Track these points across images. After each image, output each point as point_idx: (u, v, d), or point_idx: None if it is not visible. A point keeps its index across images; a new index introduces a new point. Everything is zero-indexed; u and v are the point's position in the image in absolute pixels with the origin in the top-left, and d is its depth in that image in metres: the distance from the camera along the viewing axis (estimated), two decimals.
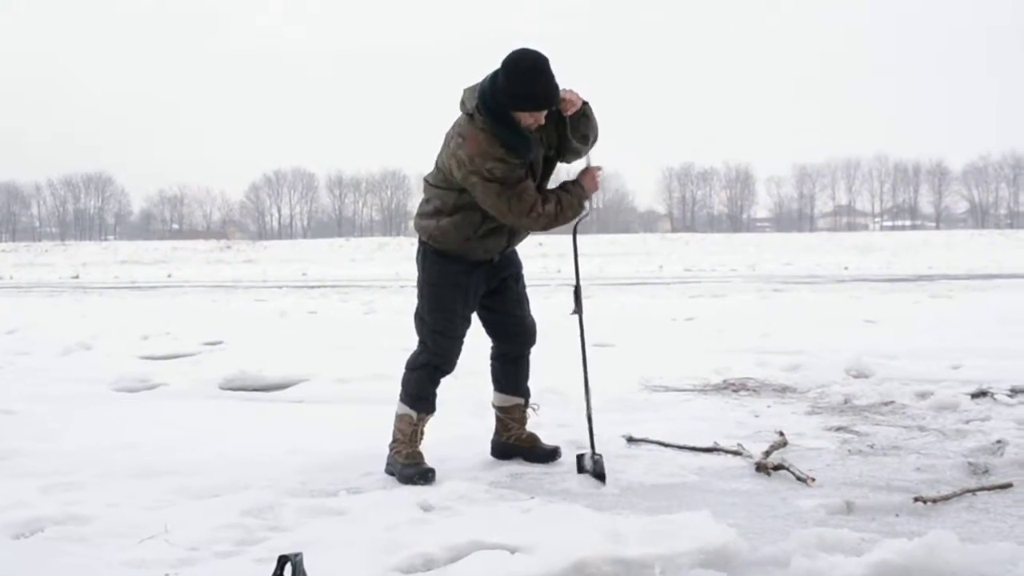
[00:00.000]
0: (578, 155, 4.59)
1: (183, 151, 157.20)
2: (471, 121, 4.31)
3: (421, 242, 4.64)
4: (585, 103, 4.42)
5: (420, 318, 4.64)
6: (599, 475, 4.34)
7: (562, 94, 4.31)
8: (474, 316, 4.73)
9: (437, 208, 4.48)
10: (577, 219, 4.48)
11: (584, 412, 4.56)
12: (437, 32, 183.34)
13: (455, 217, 4.43)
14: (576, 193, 4.41)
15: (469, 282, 4.55)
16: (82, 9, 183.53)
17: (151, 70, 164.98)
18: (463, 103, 4.39)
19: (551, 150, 4.49)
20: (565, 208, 4.37)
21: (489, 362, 4.91)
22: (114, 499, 4.08)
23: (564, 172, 4.76)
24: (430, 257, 4.58)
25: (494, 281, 4.67)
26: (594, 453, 4.43)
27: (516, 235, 4.58)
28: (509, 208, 4.26)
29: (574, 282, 4.63)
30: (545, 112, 4.28)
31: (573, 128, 4.41)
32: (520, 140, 4.26)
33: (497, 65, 4.25)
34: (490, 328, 4.83)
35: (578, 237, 4.65)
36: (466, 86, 4.42)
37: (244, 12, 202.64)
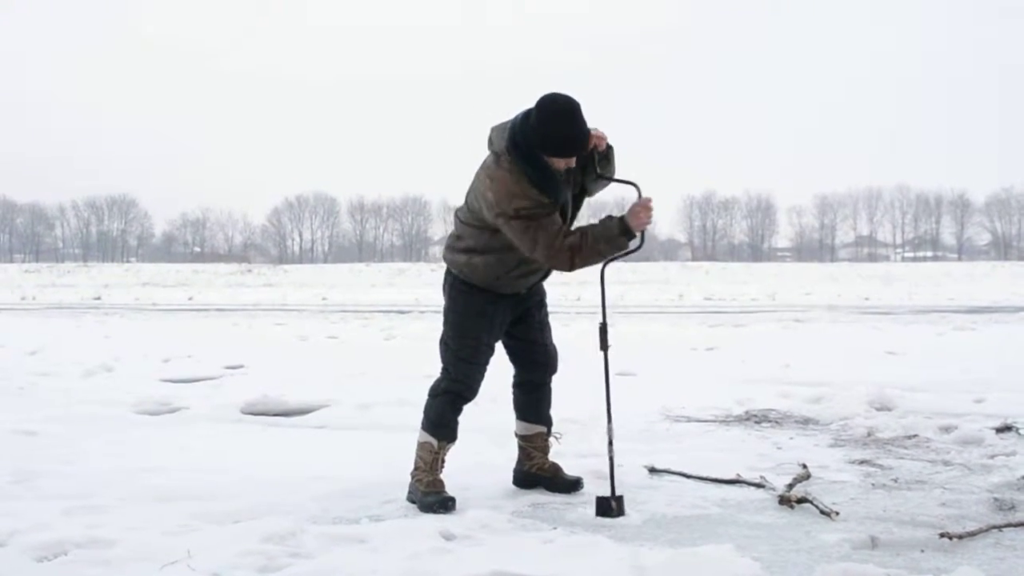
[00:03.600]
0: (592, 194, 4.63)
1: (206, 174, 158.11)
2: (498, 162, 4.31)
3: (449, 271, 4.64)
4: (609, 146, 4.44)
5: (445, 344, 4.64)
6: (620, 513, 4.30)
7: (592, 132, 4.34)
8: (497, 348, 4.73)
9: (469, 247, 4.49)
10: (623, 254, 4.38)
11: (607, 446, 4.52)
12: (459, 60, 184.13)
13: (487, 257, 4.44)
14: (607, 225, 4.30)
15: (495, 311, 4.56)
16: (107, 34, 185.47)
17: (176, 94, 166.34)
18: (491, 141, 4.40)
19: (576, 188, 4.49)
20: (590, 239, 4.26)
21: (511, 390, 4.90)
22: (136, 523, 4.09)
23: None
24: (458, 286, 4.59)
25: (520, 310, 4.68)
26: (613, 494, 4.35)
27: (549, 272, 4.59)
28: (536, 243, 4.24)
29: (601, 319, 4.59)
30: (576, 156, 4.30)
31: (598, 164, 4.43)
32: (549, 181, 4.25)
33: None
34: (514, 356, 4.83)
35: (597, 264, 4.61)
36: (494, 125, 4.44)
37: (269, 36, 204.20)
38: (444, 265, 4.69)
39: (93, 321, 20.97)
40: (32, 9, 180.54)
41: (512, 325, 4.70)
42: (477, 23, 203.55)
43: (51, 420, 6.84)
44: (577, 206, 4.55)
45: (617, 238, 4.29)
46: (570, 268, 4.36)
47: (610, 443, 4.49)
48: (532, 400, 4.86)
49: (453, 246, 4.60)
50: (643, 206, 4.31)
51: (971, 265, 74.56)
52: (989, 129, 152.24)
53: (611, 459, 4.47)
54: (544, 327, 4.82)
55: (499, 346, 4.76)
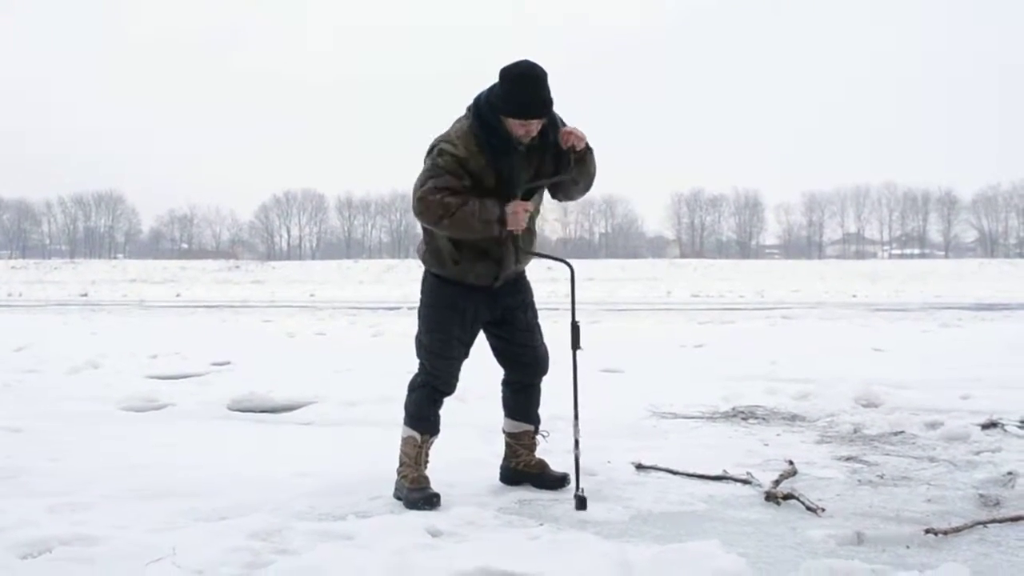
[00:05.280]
0: (568, 197, 4.64)
1: (194, 171, 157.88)
2: (461, 117, 4.42)
3: (424, 269, 4.67)
4: (589, 149, 4.45)
5: (419, 340, 4.67)
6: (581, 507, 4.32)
7: (567, 128, 4.36)
8: (485, 344, 4.73)
9: (425, 230, 4.54)
10: (535, 253, 4.51)
11: (574, 446, 4.50)
12: (449, 57, 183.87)
13: (438, 240, 4.49)
14: (491, 210, 4.28)
15: (466, 305, 4.55)
16: (94, 30, 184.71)
17: (163, 90, 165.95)
18: None
19: (533, 170, 4.45)
20: (470, 212, 4.24)
21: (500, 388, 4.91)
22: (122, 520, 4.07)
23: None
24: (429, 280, 4.63)
25: (497, 309, 4.65)
26: (579, 492, 4.37)
27: (505, 259, 4.51)
28: (423, 184, 4.31)
29: (572, 320, 4.58)
30: (537, 124, 4.31)
31: (573, 166, 4.43)
32: (498, 142, 4.30)
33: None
34: (501, 357, 4.83)
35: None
36: None
37: (257, 34, 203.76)
38: None
39: (80, 318, 20.91)
40: (21, 7, 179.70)
41: (496, 326, 4.70)
42: (468, 22, 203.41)
43: (37, 417, 6.82)
44: (531, 194, 4.47)
45: (492, 224, 4.29)
46: (435, 224, 4.34)
47: (576, 443, 4.48)
48: (520, 399, 4.86)
49: (422, 236, 4.65)
50: (522, 207, 4.33)
51: (958, 262, 74.96)
52: (976, 127, 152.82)
53: (577, 458, 4.46)
54: (532, 329, 4.79)
55: (486, 345, 4.75)
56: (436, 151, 4.34)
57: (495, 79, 4.31)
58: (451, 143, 4.32)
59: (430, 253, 4.56)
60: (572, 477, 4.51)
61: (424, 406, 4.63)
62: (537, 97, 4.25)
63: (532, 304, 4.82)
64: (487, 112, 4.30)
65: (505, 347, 4.78)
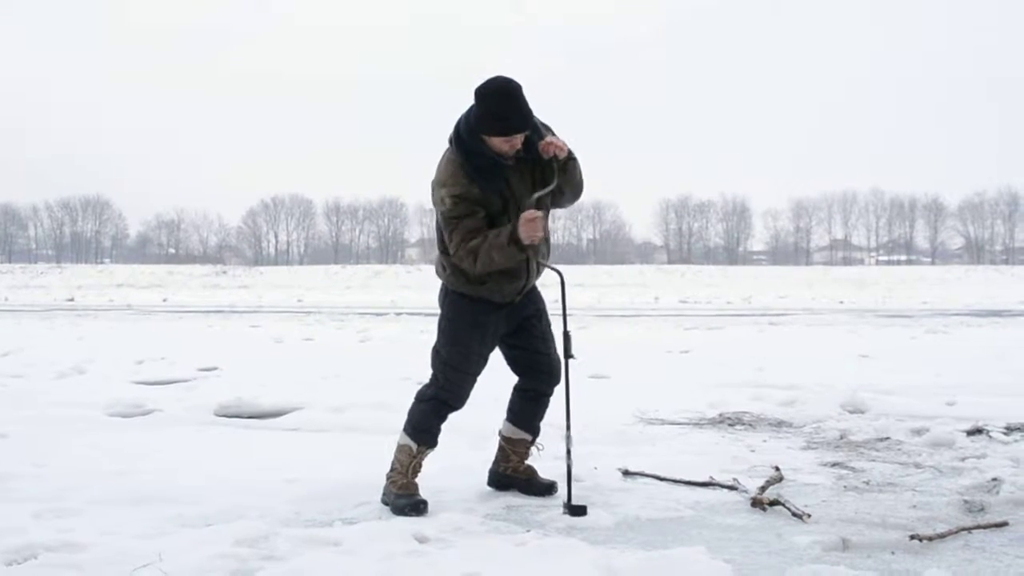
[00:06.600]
0: (557, 205, 4.62)
1: (181, 176, 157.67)
2: (446, 151, 4.40)
3: (443, 284, 4.66)
4: (572, 158, 4.42)
5: (436, 352, 4.63)
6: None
7: (548, 139, 4.33)
8: (496, 353, 4.71)
9: (444, 251, 4.52)
10: (544, 263, 4.48)
11: (566, 454, 4.52)
12: (435, 61, 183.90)
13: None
14: (499, 236, 4.28)
15: (488, 321, 4.54)
16: (80, 33, 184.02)
17: (150, 94, 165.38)
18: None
19: (528, 181, 4.43)
20: (488, 247, 4.26)
21: (511, 392, 4.87)
22: (108, 526, 4.06)
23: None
24: (451, 296, 4.59)
25: (515, 321, 4.65)
26: (568, 500, 4.40)
27: (531, 276, 4.56)
28: (451, 240, 4.34)
29: (564, 328, 4.58)
30: (520, 137, 4.29)
31: (559, 174, 4.41)
32: (487, 170, 4.28)
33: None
34: (516, 366, 4.80)
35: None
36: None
37: (244, 37, 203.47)
38: (421, 267, 4.70)
39: (66, 323, 20.82)
40: (5, 10, 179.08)
41: (511, 336, 4.68)
42: (456, 25, 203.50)
43: (22, 422, 6.79)
44: (533, 202, 4.40)
45: (506, 247, 4.26)
46: (476, 271, 4.37)
47: (568, 452, 4.50)
48: (528, 408, 4.83)
49: (440, 260, 4.61)
50: (529, 218, 4.26)
51: (944, 269, 75.19)
52: (962, 134, 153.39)
53: (569, 467, 4.48)
54: (547, 337, 4.78)
55: (497, 355, 4.74)
56: (441, 200, 4.31)
57: (470, 85, 4.27)
58: (446, 185, 4.30)
59: (454, 274, 4.51)
60: (563, 484, 4.52)
61: (430, 419, 4.60)
62: (517, 111, 4.23)
63: (546, 312, 4.81)
64: (468, 138, 4.28)
65: (521, 356, 4.75)
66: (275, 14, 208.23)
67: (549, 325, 4.81)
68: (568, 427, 4.51)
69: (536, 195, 4.38)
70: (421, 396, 4.66)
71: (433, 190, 4.38)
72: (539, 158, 4.39)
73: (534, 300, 4.75)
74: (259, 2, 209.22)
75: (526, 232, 4.24)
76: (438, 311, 4.70)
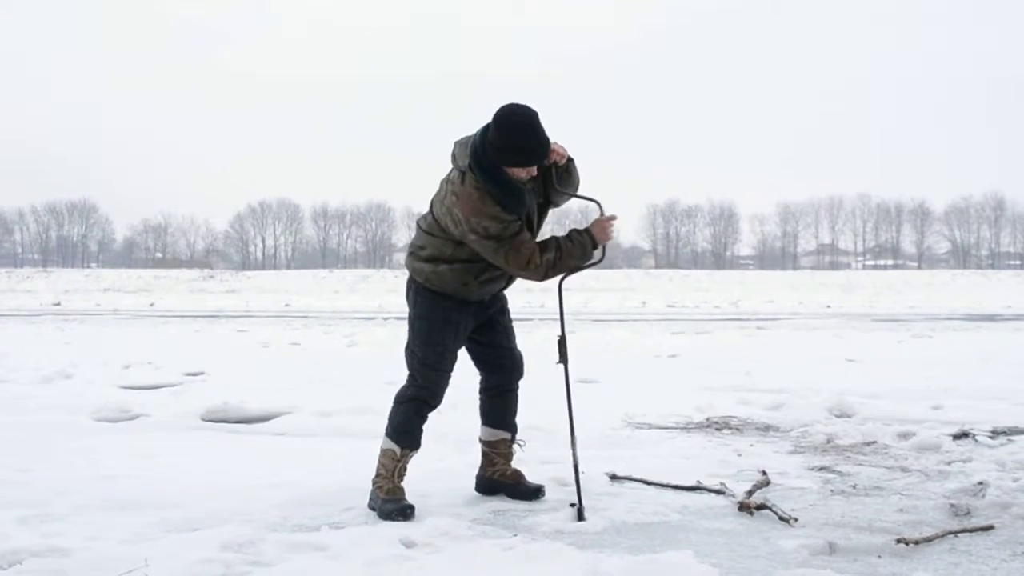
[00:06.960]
0: (555, 204, 4.65)
1: (168, 180, 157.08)
2: (463, 179, 4.34)
3: (413, 279, 4.64)
4: (570, 159, 4.49)
5: (411, 352, 4.63)
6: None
7: (551, 146, 4.37)
8: (463, 355, 4.74)
9: (433, 256, 4.50)
10: (586, 265, 4.48)
11: (570, 453, 4.54)
12: (423, 66, 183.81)
13: (454, 266, 4.46)
14: (580, 241, 4.43)
15: (460, 318, 4.57)
16: (67, 36, 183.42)
17: (137, 98, 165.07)
18: (454, 157, 4.44)
19: (541, 197, 4.54)
20: (565, 256, 4.40)
21: (478, 396, 4.91)
22: (93, 531, 4.05)
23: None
24: (423, 293, 4.59)
25: (482, 317, 4.70)
26: (579, 501, 4.41)
27: (511, 279, 4.62)
28: (507, 262, 4.35)
29: (559, 333, 4.60)
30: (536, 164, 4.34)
31: (558, 179, 4.48)
32: (513, 196, 4.30)
33: (481, 104, 4.30)
34: (480, 361, 4.84)
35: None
36: (457, 139, 4.48)
37: (232, 41, 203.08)
38: (408, 272, 4.68)
39: (52, 327, 20.75)
40: None
41: (476, 331, 4.72)
42: (447, 29, 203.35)
43: (8, 427, 6.76)
44: (542, 215, 4.59)
45: (589, 253, 4.44)
46: (542, 279, 4.48)
47: (574, 455, 4.51)
48: (498, 405, 4.87)
49: (417, 254, 4.59)
50: (608, 221, 4.43)
51: (930, 273, 75.39)
52: (948, 139, 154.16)
53: (576, 471, 4.49)
54: (509, 332, 4.85)
55: (463, 354, 4.76)
56: (484, 229, 4.27)
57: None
58: (483, 214, 4.27)
59: (435, 275, 4.51)
60: (566, 488, 4.54)
61: (411, 420, 4.61)
62: (538, 144, 4.27)
63: (508, 308, 4.90)
64: (490, 166, 4.27)
65: (484, 351, 4.80)
66: (269, 14, 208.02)
67: (511, 321, 4.89)
68: (572, 430, 4.55)
69: (553, 206, 4.61)
70: (400, 397, 4.66)
71: (466, 221, 4.28)
72: (543, 172, 4.46)
73: (499, 297, 4.80)
74: (253, 3, 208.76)
75: (605, 235, 4.47)
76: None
